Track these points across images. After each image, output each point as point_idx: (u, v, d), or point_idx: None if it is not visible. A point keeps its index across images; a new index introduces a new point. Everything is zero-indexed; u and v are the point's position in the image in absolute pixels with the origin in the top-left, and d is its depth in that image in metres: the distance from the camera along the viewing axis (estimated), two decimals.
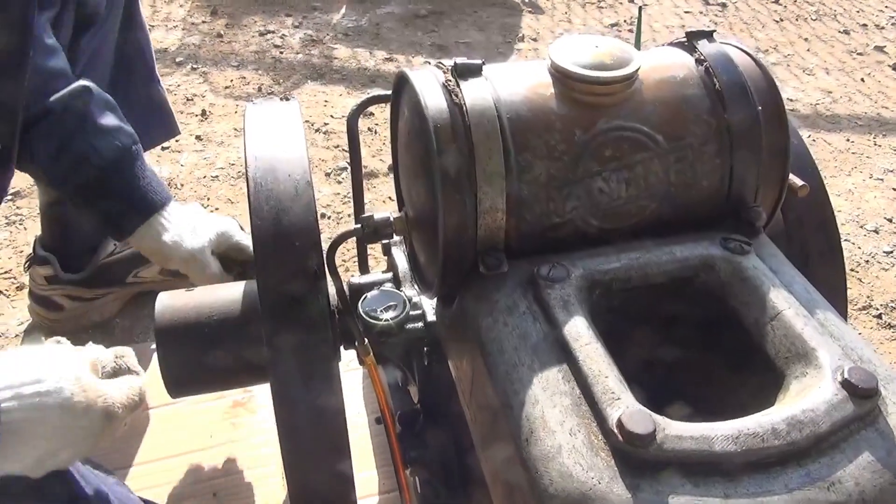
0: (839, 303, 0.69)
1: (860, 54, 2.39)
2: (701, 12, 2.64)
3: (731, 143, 0.58)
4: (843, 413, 0.43)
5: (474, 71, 0.57)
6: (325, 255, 0.71)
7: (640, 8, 1.42)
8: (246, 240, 1.01)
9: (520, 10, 2.56)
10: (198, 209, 1.03)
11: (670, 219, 0.59)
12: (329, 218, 1.64)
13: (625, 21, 2.54)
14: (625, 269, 0.54)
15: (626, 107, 0.57)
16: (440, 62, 0.59)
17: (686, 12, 2.64)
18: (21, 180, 1.67)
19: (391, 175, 1.77)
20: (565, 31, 2.47)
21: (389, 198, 1.71)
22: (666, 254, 0.55)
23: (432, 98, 0.55)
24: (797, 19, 2.61)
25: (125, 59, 1.23)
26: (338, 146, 1.86)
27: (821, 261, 0.68)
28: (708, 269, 0.55)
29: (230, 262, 1.02)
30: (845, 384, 0.44)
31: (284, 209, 0.67)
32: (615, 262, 0.54)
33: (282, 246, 0.68)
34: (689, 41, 0.62)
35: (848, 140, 1.96)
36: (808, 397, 0.44)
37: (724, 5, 2.67)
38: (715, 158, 0.58)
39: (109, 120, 0.96)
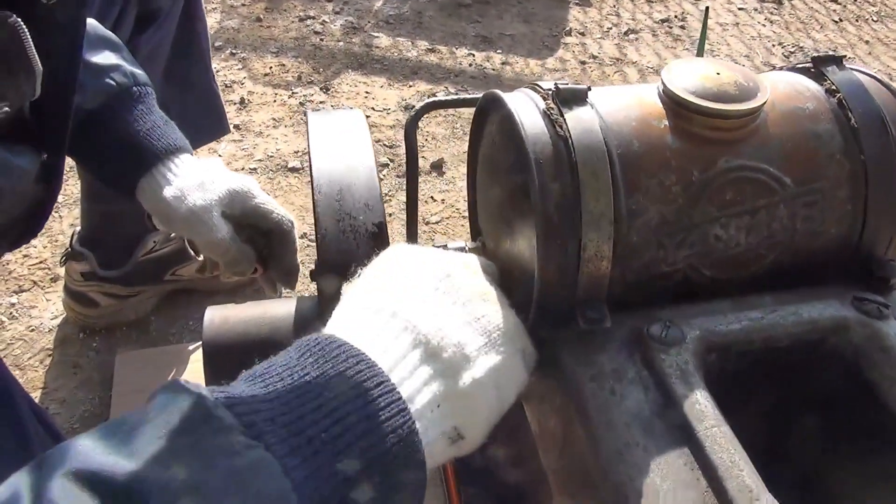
0: None
1: None
2: (755, 9, 2.53)
3: (866, 186, 0.51)
4: None
5: (580, 97, 0.50)
6: None
7: (707, 8, 1.33)
8: (270, 203, 0.83)
9: (567, 3, 2.47)
10: (216, 164, 0.86)
11: (789, 269, 0.52)
12: None
13: (675, 17, 2.44)
14: (746, 332, 0.47)
15: (750, 143, 0.50)
16: (537, 84, 0.53)
17: (740, 9, 2.53)
18: None
19: (434, 173, 1.71)
20: (613, 26, 2.38)
21: (431, 197, 1.65)
22: (792, 314, 0.48)
23: (533, 128, 0.49)
24: (857, 20, 2.50)
25: (183, 58, 1.17)
26: (378, 140, 1.81)
27: None
28: (841, 332, 0.48)
29: (255, 233, 0.84)
30: None
31: (355, 228, 0.62)
32: (735, 322, 0.48)
33: (349, 269, 0.63)
34: (816, 67, 0.55)
35: None
36: None
37: (779, 2, 2.56)
38: (847, 204, 0.51)
39: (104, 58, 0.83)
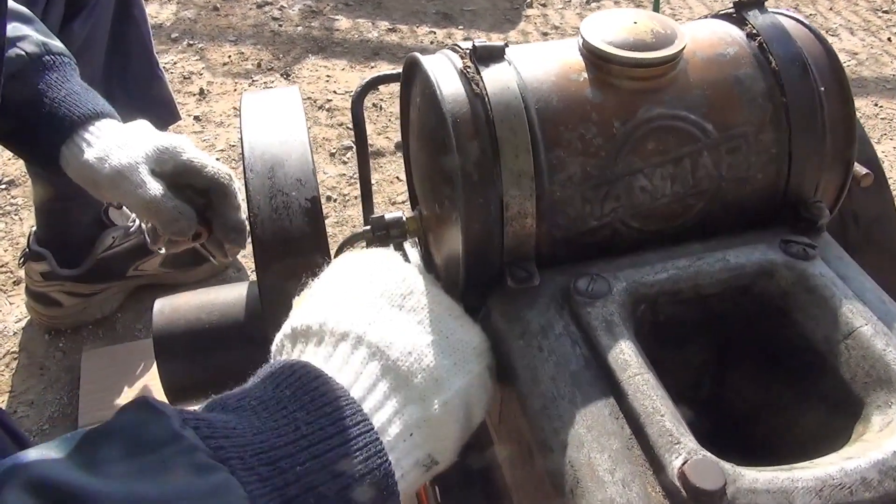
0: None
1: (886, 12, 2.28)
2: None
3: (789, 129, 0.51)
4: None
5: (496, 55, 0.49)
6: (332, 257, 0.66)
7: None
8: (202, 158, 0.80)
9: None
10: (143, 125, 0.82)
11: (719, 217, 0.52)
12: (335, 201, 1.57)
13: None
14: (673, 281, 0.47)
15: (670, 92, 0.50)
16: (456, 45, 0.52)
17: None
18: (15, 168, 1.61)
19: (399, 154, 1.70)
20: None
21: (397, 177, 1.64)
22: (719, 261, 0.48)
23: (449, 88, 0.48)
24: None
25: (122, 44, 1.15)
26: (342, 124, 1.79)
27: (881, 260, 0.61)
28: (768, 276, 0.48)
29: (193, 193, 0.81)
30: None
31: (287, 204, 0.61)
32: (662, 272, 0.48)
33: (284, 246, 0.62)
34: (738, 12, 0.55)
35: (876, 105, 1.87)
36: None
37: None
38: (771, 148, 0.51)
39: (12, 29, 0.78)
